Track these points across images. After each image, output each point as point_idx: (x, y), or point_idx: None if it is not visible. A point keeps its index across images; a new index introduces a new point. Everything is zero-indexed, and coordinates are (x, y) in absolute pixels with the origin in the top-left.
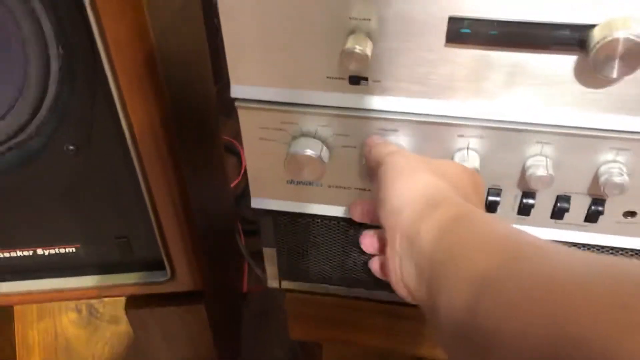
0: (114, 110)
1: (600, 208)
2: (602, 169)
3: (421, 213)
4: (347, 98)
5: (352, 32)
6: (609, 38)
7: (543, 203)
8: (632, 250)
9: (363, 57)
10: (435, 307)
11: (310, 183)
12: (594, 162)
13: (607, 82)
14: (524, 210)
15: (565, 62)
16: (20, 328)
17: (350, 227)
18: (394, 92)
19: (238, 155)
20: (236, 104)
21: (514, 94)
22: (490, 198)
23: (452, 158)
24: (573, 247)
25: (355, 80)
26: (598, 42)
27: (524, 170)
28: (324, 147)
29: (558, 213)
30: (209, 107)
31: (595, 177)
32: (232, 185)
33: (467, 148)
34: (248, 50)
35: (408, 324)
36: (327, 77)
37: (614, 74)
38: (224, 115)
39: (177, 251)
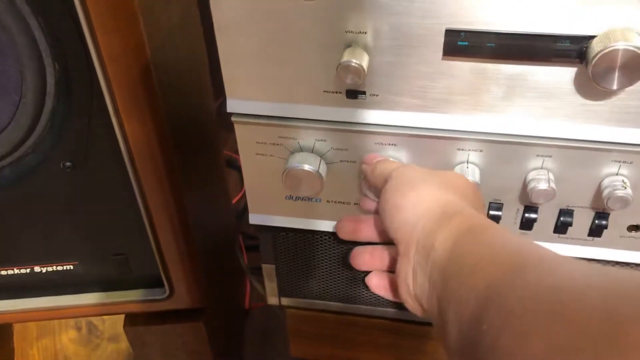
0: (110, 126)
1: (604, 222)
2: (605, 182)
3: (436, 225)
4: (344, 112)
5: (348, 45)
6: (609, 49)
7: (545, 217)
8: (637, 264)
9: (359, 71)
10: (445, 319)
11: (309, 198)
12: (597, 176)
13: (608, 93)
14: (526, 224)
15: (564, 74)
16: (20, 346)
17: (351, 243)
18: (391, 106)
19: (240, 171)
20: (232, 118)
21: (513, 107)
22: (492, 212)
23: None
24: (578, 260)
25: (353, 94)
26: (597, 53)
27: (525, 184)
28: (322, 162)
29: (561, 227)
30: (209, 122)
31: (598, 191)
32: (234, 200)
33: (467, 162)
34: (244, 64)
35: (410, 341)
36: (324, 91)
37: (614, 85)
38: (225, 129)
39: (175, 268)
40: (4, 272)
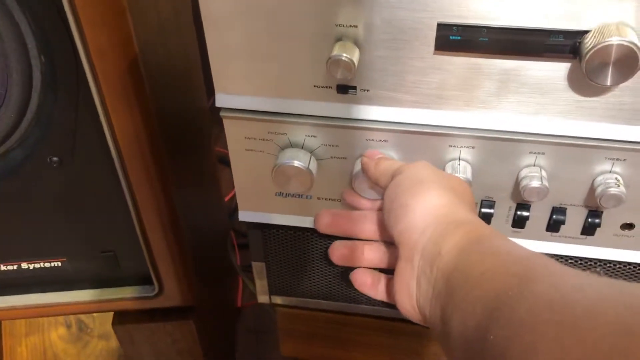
0: (98, 121)
1: (597, 220)
2: (599, 179)
3: (444, 232)
4: (335, 107)
5: (339, 39)
6: (603, 44)
7: (538, 215)
8: (629, 263)
9: (350, 65)
10: (448, 328)
11: (299, 195)
12: (590, 173)
13: (602, 89)
14: (519, 222)
15: (558, 70)
16: (8, 343)
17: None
18: (382, 101)
19: None
20: (221, 113)
21: (505, 103)
22: (484, 210)
23: (443, 169)
24: (588, 272)
25: (343, 89)
26: (591, 49)
27: (517, 182)
28: (313, 158)
29: (554, 225)
30: (201, 119)
31: (592, 189)
32: (227, 198)
33: (459, 158)
34: (233, 58)
35: (403, 341)
36: (314, 86)
37: (608, 81)
38: (219, 126)
39: (165, 266)
40: None
